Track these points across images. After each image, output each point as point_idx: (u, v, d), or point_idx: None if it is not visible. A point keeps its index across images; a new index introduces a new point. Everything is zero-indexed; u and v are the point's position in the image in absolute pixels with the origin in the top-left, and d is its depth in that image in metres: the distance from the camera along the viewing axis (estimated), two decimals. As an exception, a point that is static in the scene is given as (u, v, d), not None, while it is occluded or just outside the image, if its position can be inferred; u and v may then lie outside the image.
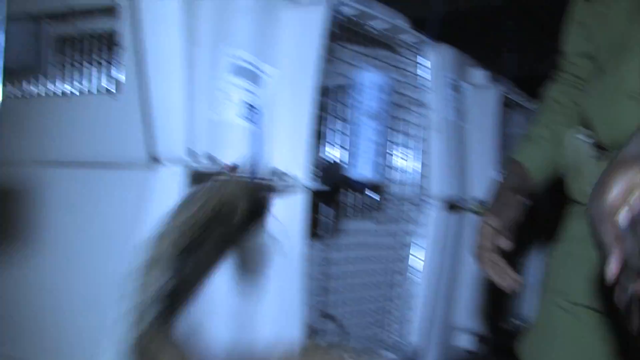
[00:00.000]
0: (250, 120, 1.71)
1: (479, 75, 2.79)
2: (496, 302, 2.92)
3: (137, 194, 1.63)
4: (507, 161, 1.79)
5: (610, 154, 1.58)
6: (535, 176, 1.74)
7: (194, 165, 1.59)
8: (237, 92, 1.71)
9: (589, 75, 1.70)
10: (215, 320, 1.74)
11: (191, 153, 1.59)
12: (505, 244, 1.62)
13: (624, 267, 0.90)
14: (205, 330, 1.72)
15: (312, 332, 1.99)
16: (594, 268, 1.59)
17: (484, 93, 2.73)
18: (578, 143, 1.66)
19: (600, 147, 1.61)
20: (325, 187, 1.82)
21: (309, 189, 1.79)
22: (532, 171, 1.74)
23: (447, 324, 2.62)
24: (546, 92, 1.84)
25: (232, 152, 1.68)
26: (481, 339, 2.81)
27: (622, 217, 0.91)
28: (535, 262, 3.24)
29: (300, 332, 1.82)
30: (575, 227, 1.71)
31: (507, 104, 2.91)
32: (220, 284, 1.72)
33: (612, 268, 0.90)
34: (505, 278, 1.59)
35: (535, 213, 2.80)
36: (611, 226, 0.92)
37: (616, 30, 1.58)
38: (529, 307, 3.18)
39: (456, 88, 2.51)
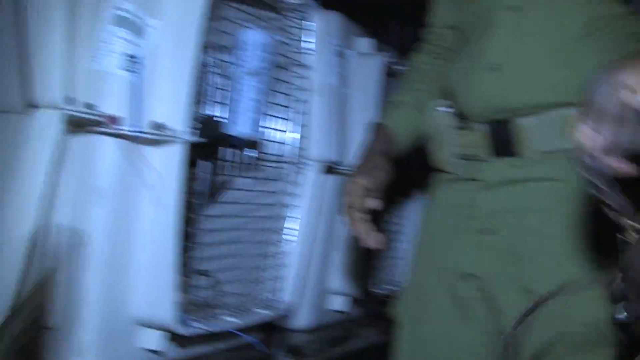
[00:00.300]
0: (131, 71, 1.71)
1: (364, 43, 2.84)
2: (370, 267, 2.99)
3: (12, 139, 1.61)
4: (374, 125, 1.84)
5: (471, 124, 1.66)
6: (401, 140, 1.80)
7: (72, 111, 1.58)
8: (119, 43, 1.71)
9: (454, 47, 1.77)
10: (88, 275, 1.75)
11: (69, 100, 1.58)
12: (374, 203, 1.67)
13: (611, 147, 0.95)
14: (77, 282, 1.72)
15: (186, 287, 2.01)
16: (461, 234, 1.68)
17: (368, 61, 2.79)
18: (439, 114, 1.73)
19: (461, 117, 1.69)
20: (202, 140, 1.84)
21: (187, 141, 1.81)
22: (397, 135, 1.79)
23: (321, 285, 2.68)
24: (412, 61, 1.91)
25: (111, 102, 1.69)
26: (354, 301, 2.88)
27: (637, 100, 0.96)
28: (409, 229, 3.33)
29: (173, 286, 1.84)
30: (441, 196, 1.78)
31: (391, 74, 2.98)
32: (94, 235, 1.73)
33: (585, 129, 0.96)
34: (370, 237, 1.64)
35: (410, 179, 2.89)
36: (615, 97, 0.96)
37: (482, 4, 1.64)
38: (402, 273, 3.27)
39: (340, 54, 2.55)
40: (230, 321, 2.08)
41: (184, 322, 1.89)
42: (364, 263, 2.78)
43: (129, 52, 1.71)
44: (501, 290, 1.59)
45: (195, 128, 1.84)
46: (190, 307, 1.98)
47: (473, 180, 1.65)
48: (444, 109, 1.72)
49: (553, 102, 1.53)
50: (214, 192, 2.11)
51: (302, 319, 2.62)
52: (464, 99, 1.66)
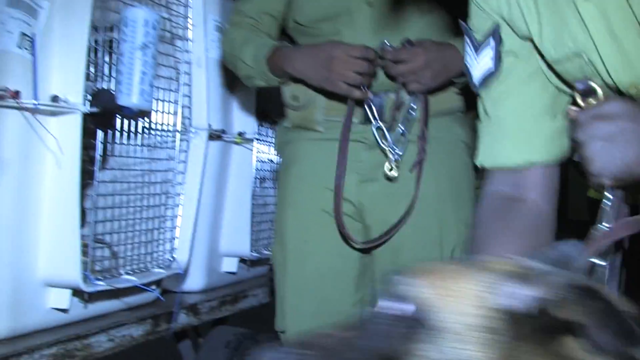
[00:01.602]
0: (27, 49, 1.85)
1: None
2: (258, 230, 3.14)
3: None
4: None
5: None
6: None
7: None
8: (14, 23, 1.84)
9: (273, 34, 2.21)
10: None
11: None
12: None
13: None
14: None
15: (88, 249, 2.13)
16: (347, 184, 2.03)
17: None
18: None
19: None
20: (96, 110, 2.00)
21: (82, 112, 1.96)
22: None
23: (212, 248, 2.83)
24: (233, 33, 2.26)
25: (11, 77, 1.82)
26: (243, 262, 3.03)
27: None
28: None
29: (77, 247, 1.97)
30: (317, 152, 2.12)
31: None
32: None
33: None
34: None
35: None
36: None
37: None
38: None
39: (220, 29, 2.70)
40: (130, 279, 2.22)
41: (87, 281, 2.03)
42: (252, 226, 2.93)
43: (24, 32, 1.85)
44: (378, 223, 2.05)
45: (90, 100, 2.00)
46: (91, 267, 2.11)
47: (357, 141, 2.03)
48: None
49: None
50: (108, 159, 2.24)
51: (195, 281, 2.78)
52: None
